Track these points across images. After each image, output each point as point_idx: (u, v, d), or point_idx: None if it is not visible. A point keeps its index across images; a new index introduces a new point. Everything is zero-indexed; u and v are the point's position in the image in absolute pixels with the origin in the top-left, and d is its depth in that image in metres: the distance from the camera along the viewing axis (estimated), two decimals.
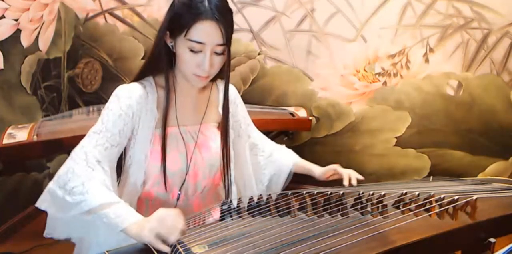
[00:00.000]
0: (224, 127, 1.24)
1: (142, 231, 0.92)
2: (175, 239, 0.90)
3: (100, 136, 1.09)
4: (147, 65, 1.18)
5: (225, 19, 1.06)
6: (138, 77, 1.18)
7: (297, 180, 1.47)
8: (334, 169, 1.32)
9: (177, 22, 1.07)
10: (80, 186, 1.02)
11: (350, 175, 1.29)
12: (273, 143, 1.47)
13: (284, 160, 1.41)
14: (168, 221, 0.92)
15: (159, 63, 1.15)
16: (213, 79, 1.23)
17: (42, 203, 1.09)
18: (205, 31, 1.05)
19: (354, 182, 1.27)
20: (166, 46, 1.13)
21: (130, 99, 1.11)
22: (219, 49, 1.07)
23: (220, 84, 1.28)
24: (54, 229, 1.17)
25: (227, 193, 1.28)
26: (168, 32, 1.11)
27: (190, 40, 1.06)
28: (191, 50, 1.06)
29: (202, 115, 1.24)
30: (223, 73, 1.19)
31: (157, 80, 1.18)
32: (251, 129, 1.40)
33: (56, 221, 1.15)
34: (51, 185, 1.07)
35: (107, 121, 1.10)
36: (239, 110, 1.35)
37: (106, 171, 1.08)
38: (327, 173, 1.33)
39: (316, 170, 1.36)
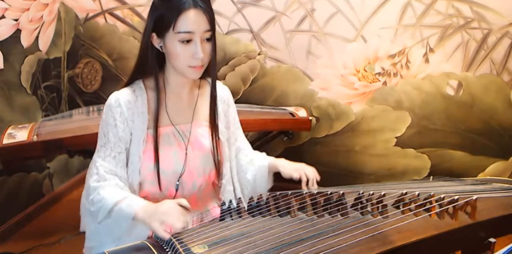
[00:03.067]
0: (212, 121, 1.26)
1: (150, 217, 1.03)
2: (181, 227, 1.00)
3: (105, 148, 1.18)
4: (136, 70, 1.22)
5: (206, 5, 1.10)
6: (128, 82, 1.22)
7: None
8: (295, 178, 1.29)
9: (162, 20, 1.10)
10: (97, 195, 1.14)
11: (308, 180, 1.28)
12: (252, 149, 1.46)
13: (262, 162, 1.39)
14: (174, 211, 1.02)
15: (147, 67, 1.18)
16: (204, 77, 1.25)
17: (83, 217, 1.26)
18: (192, 20, 1.08)
19: (312, 188, 1.26)
20: (153, 49, 1.15)
21: (120, 107, 1.17)
22: (207, 35, 1.12)
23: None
24: (93, 240, 1.26)
25: (220, 188, 1.30)
26: (154, 34, 1.13)
27: (179, 32, 1.09)
28: (182, 42, 1.10)
29: (194, 113, 1.25)
30: (211, 69, 1.21)
31: (146, 82, 1.21)
32: (239, 132, 1.41)
33: (93, 233, 1.25)
34: (82, 200, 1.24)
35: (107, 133, 1.18)
36: (231, 112, 1.36)
37: (121, 177, 1.19)
38: (288, 176, 1.31)
39: (280, 168, 1.33)
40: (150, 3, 1.15)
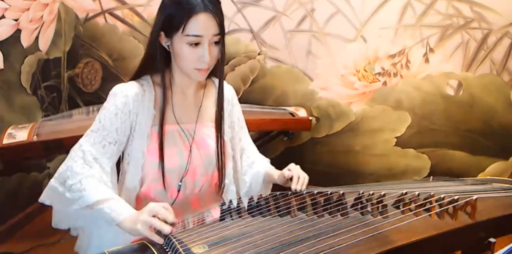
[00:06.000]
0: (218, 122, 1.25)
1: (135, 224, 0.97)
2: (168, 231, 0.95)
3: (97, 134, 1.13)
4: (142, 66, 1.20)
5: (217, 9, 1.09)
6: (135, 77, 1.20)
7: None
8: (287, 176, 1.22)
9: (172, 21, 1.09)
10: (78, 184, 1.08)
11: (299, 179, 1.21)
12: (257, 151, 1.43)
13: (260, 169, 1.36)
14: (159, 214, 0.97)
15: (155, 64, 1.17)
16: (209, 77, 1.24)
17: (45, 198, 1.16)
18: (202, 24, 1.07)
19: (298, 188, 1.19)
20: (161, 47, 1.14)
21: (126, 97, 1.14)
22: (216, 38, 1.10)
23: (217, 82, 1.29)
24: (59, 221, 1.20)
25: (221, 189, 1.29)
26: (162, 33, 1.12)
27: (188, 35, 1.08)
28: (190, 45, 1.09)
29: (199, 113, 1.25)
30: (218, 69, 1.20)
31: (154, 78, 1.20)
32: (243, 133, 1.39)
33: (60, 213, 1.19)
34: (52, 182, 1.14)
35: (104, 119, 1.14)
36: (235, 111, 1.35)
37: (104, 168, 1.13)
38: (282, 178, 1.24)
39: (275, 176, 1.28)
40: (150, 3, 1.14)
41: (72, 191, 1.08)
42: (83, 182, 1.08)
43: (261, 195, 1.16)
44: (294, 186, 1.20)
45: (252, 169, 1.37)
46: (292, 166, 1.26)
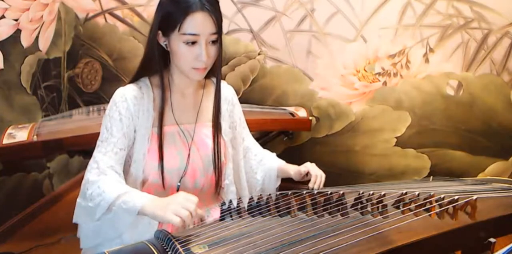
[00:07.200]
0: (215, 121, 1.25)
1: (161, 209, 0.98)
2: (197, 221, 0.98)
3: (107, 143, 1.15)
4: (142, 67, 1.21)
5: (214, 8, 1.09)
6: (134, 79, 1.22)
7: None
8: (303, 172, 1.29)
9: (168, 19, 1.09)
10: (97, 189, 1.08)
11: (316, 179, 1.27)
12: (261, 148, 1.45)
13: (272, 164, 1.39)
14: (189, 204, 0.98)
15: (153, 64, 1.18)
16: (208, 77, 1.25)
17: (76, 218, 1.18)
18: (198, 23, 1.08)
19: (315, 187, 1.25)
20: (159, 46, 1.15)
21: (126, 102, 1.15)
22: (213, 37, 1.11)
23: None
24: (86, 237, 1.22)
25: (218, 189, 1.29)
26: (160, 32, 1.13)
27: (184, 34, 1.08)
28: (187, 44, 1.09)
29: (198, 113, 1.25)
30: (216, 69, 1.21)
31: (152, 80, 1.21)
32: (246, 132, 1.41)
33: (87, 230, 1.20)
34: (78, 199, 1.16)
35: (110, 128, 1.15)
36: (236, 111, 1.35)
37: (120, 174, 1.15)
38: (299, 175, 1.31)
39: (291, 172, 1.33)
40: (150, 3, 1.15)
41: (93, 198, 1.08)
42: (101, 186, 1.08)
43: (261, 194, 1.16)
44: (312, 184, 1.25)
45: (263, 165, 1.39)
46: (308, 164, 1.31)
